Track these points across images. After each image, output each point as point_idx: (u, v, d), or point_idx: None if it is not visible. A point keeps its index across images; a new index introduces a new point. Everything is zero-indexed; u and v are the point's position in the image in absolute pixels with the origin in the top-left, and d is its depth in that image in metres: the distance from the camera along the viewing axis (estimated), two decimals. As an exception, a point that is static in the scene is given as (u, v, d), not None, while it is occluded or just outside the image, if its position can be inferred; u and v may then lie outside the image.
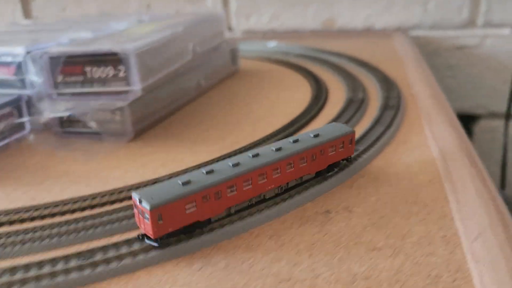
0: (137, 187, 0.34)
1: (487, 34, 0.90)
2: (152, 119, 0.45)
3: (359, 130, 0.41)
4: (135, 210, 0.25)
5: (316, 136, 0.31)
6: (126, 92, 0.40)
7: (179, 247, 0.25)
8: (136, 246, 0.26)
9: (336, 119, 0.44)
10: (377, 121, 0.42)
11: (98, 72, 0.39)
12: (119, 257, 0.25)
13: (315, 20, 0.96)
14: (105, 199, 0.32)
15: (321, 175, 0.32)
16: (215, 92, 0.58)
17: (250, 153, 0.28)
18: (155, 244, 0.25)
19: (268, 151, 0.28)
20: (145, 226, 0.24)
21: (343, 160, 0.33)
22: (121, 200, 0.32)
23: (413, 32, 0.93)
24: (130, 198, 0.33)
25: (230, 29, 1.01)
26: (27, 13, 1.11)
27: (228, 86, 0.60)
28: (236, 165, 0.27)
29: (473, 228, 0.25)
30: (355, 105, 0.48)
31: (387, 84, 0.54)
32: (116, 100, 0.39)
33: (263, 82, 0.61)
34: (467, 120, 0.97)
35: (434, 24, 0.92)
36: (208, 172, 0.26)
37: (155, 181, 0.34)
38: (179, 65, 0.48)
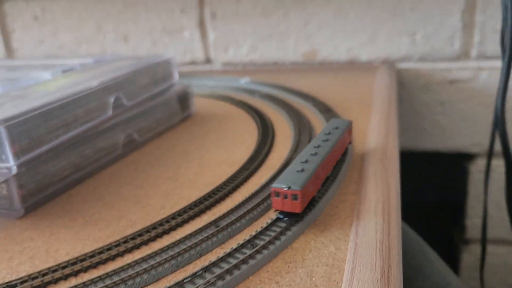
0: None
1: (481, 66, 0.82)
2: (52, 189, 0.40)
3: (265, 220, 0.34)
4: (276, 199, 0.31)
5: (336, 128, 0.40)
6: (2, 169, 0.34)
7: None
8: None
9: (255, 193, 0.38)
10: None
11: (-32, 146, 0.34)
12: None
13: (295, 52, 0.90)
14: None
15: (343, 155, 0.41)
16: (151, 147, 0.52)
17: (312, 145, 0.37)
18: (297, 218, 0.32)
19: (322, 143, 0.37)
20: (292, 205, 0.31)
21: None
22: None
23: (402, 65, 0.87)
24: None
25: (209, 61, 0.97)
26: (7, 45, 1.09)
27: (169, 139, 0.55)
28: (314, 154, 0.35)
29: None
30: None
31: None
32: (-12, 178, 0.34)
33: (209, 134, 0.55)
34: (463, 158, 0.89)
35: (423, 56, 0.85)
36: (304, 162, 0.34)
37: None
38: (91, 125, 0.43)
